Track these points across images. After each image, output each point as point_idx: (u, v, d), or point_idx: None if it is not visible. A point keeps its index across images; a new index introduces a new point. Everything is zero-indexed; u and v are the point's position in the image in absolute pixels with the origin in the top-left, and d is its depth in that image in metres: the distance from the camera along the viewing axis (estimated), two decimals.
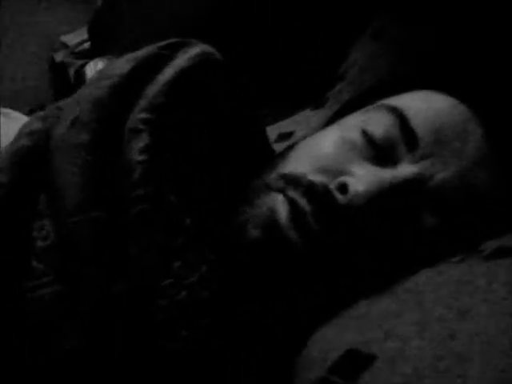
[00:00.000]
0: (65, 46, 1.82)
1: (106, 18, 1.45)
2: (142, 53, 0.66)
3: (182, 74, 0.64)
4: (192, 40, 0.68)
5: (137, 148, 0.59)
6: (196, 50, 0.66)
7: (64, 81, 1.74)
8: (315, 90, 1.03)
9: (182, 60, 0.65)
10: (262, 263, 0.59)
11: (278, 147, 0.84)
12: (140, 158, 0.58)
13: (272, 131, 0.95)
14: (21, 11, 1.90)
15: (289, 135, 0.96)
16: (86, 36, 1.76)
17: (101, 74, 0.65)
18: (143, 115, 0.60)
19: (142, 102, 0.61)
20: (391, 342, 0.49)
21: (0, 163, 0.60)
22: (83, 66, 1.66)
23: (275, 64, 1.12)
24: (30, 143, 0.61)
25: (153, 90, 0.62)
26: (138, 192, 0.57)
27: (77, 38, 1.80)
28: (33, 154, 0.61)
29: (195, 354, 0.54)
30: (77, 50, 1.76)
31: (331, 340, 0.53)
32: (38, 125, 0.63)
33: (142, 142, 0.59)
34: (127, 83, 0.62)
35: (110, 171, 0.58)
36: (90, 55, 1.65)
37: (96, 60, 1.52)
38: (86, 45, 1.73)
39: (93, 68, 1.50)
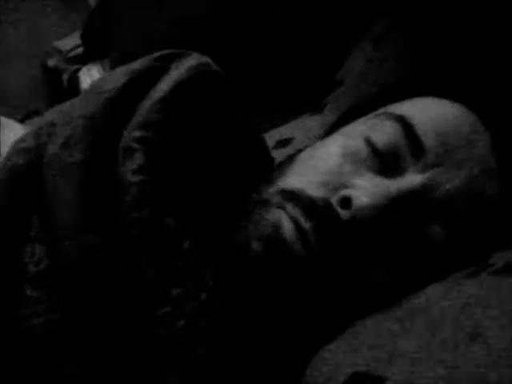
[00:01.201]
0: (58, 51, 1.80)
1: (100, 22, 1.43)
2: (136, 65, 0.63)
3: (178, 88, 0.61)
4: (187, 51, 0.65)
5: (131, 168, 0.56)
6: (191, 61, 0.64)
7: (57, 86, 1.73)
8: (313, 95, 1.01)
9: (177, 73, 0.62)
10: (266, 279, 0.56)
11: (277, 154, 0.82)
12: (134, 179, 0.55)
13: (270, 138, 0.93)
14: (17, 17, 1.88)
15: (287, 142, 0.94)
16: (79, 41, 1.74)
17: (94, 88, 0.62)
18: (137, 133, 0.58)
19: (136, 119, 0.59)
20: (400, 364, 0.47)
21: None
22: (77, 71, 1.64)
23: (273, 69, 1.10)
24: (22, 161, 0.58)
25: (147, 105, 0.59)
26: (133, 215, 0.54)
27: (70, 43, 1.79)
28: (25, 173, 0.58)
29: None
30: (70, 55, 1.74)
31: (337, 360, 0.51)
32: (30, 142, 0.60)
33: (136, 162, 0.56)
34: (121, 98, 0.60)
35: (104, 192, 0.55)
36: (83, 60, 1.63)
37: (89, 65, 1.50)
38: (80, 50, 1.71)
39: (86, 73, 1.48)
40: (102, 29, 1.41)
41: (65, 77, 1.69)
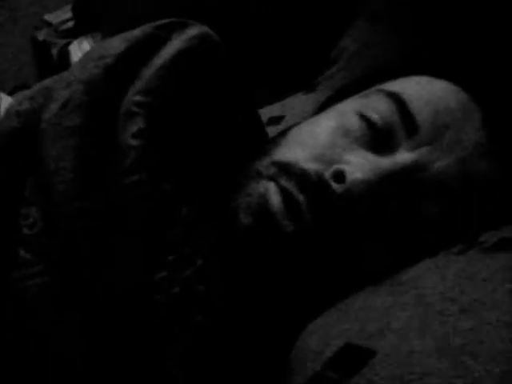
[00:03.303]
0: (48, 24, 1.78)
1: None
2: (137, 32, 0.63)
3: (179, 56, 0.61)
4: (189, 20, 0.65)
5: (131, 132, 0.56)
6: (194, 31, 0.63)
7: (47, 60, 1.71)
8: (306, 73, 1.01)
9: (179, 41, 0.62)
10: (255, 251, 0.57)
11: (269, 131, 0.82)
12: (134, 142, 0.55)
13: (262, 115, 0.93)
14: None
15: (279, 119, 0.94)
16: (69, 14, 1.72)
17: (93, 54, 0.61)
18: (138, 98, 0.58)
19: (138, 85, 0.59)
20: (391, 337, 0.48)
21: None
22: (67, 45, 1.63)
23: (266, 47, 1.09)
24: (17, 125, 0.58)
25: (149, 72, 0.59)
26: (131, 178, 0.54)
27: (60, 16, 1.77)
28: (21, 136, 0.58)
29: (190, 351, 0.52)
30: (60, 28, 1.73)
31: (329, 332, 0.51)
32: (25, 105, 0.60)
33: (136, 125, 0.56)
34: (122, 64, 0.60)
35: (102, 156, 0.55)
36: (73, 34, 1.62)
37: (80, 39, 1.49)
38: (70, 23, 1.70)
39: (77, 47, 1.47)
40: (93, 3, 1.40)
41: (54, 51, 1.68)
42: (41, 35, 1.76)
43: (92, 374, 0.51)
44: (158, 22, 0.65)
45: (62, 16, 1.77)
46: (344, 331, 0.51)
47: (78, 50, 1.46)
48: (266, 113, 0.97)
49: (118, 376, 0.52)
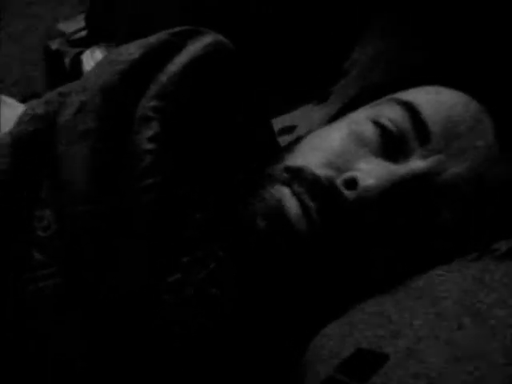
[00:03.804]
0: (61, 33, 1.79)
1: (104, 5, 1.42)
2: (152, 39, 0.63)
3: (195, 62, 0.62)
4: (204, 29, 0.66)
5: (146, 136, 0.56)
6: (208, 38, 0.64)
7: (59, 69, 1.72)
8: (318, 84, 1.02)
9: (194, 48, 0.63)
10: (270, 255, 0.57)
11: (281, 140, 0.83)
12: (149, 146, 0.56)
13: (274, 125, 0.94)
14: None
15: (291, 129, 0.95)
16: (82, 24, 1.73)
17: (109, 60, 0.62)
18: (154, 103, 0.58)
19: (153, 90, 0.59)
20: (403, 342, 0.48)
21: (1, 149, 0.58)
22: (79, 54, 1.64)
23: (279, 58, 1.10)
24: (31, 128, 0.59)
25: (164, 77, 0.60)
26: (146, 182, 0.55)
27: (73, 25, 1.78)
28: (35, 139, 0.59)
29: (199, 353, 0.53)
30: (73, 37, 1.74)
31: (341, 337, 0.52)
32: (40, 110, 0.61)
33: (151, 130, 0.57)
34: (138, 69, 0.60)
35: (116, 160, 0.56)
36: (86, 43, 1.63)
37: (93, 48, 1.50)
38: (83, 33, 1.71)
39: (90, 56, 1.48)
40: (107, 11, 1.41)
41: (67, 60, 1.69)
42: (54, 44, 1.77)
43: (92, 374, 0.52)
44: (173, 30, 0.65)
45: (75, 25, 1.78)
46: (356, 336, 0.51)
47: (91, 58, 1.47)
48: (278, 123, 0.97)
49: (117, 376, 0.52)
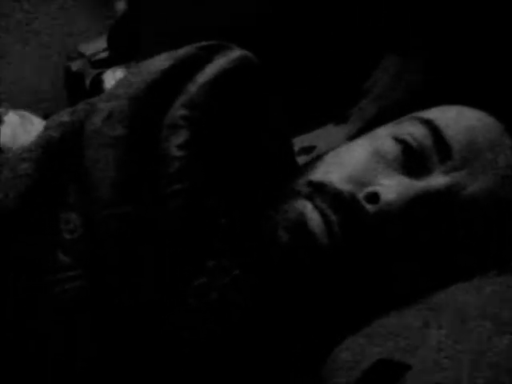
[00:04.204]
0: (82, 55, 1.82)
1: (127, 26, 1.44)
2: (181, 52, 0.65)
3: (223, 75, 0.63)
4: (230, 44, 0.67)
5: (175, 143, 0.57)
6: (235, 53, 0.65)
7: (79, 89, 1.75)
8: (338, 105, 1.02)
9: (222, 61, 0.64)
10: (293, 267, 0.58)
11: (300, 160, 0.84)
12: (178, 153, 0.57)
13: (294, 144, 0.95)
14: (40, 20, 1.91)
15: (310, 149, 0.96)
16: (103, 45, 1.76)
17: (138, 71, 0.64)
18: (183, 112, 0.59)
19: (182, 99, 0.60)
20: (425, 353, 0.48)
21: (27, 153, 0.59)
22: (99, 74, 1.66)
23: (298, 79, 1.11)
24: (58, 135, 0.60)
25: (193, 87, 0.61)
26: (175, 187, 0.56)
27: (94, 47, 1.81)
28: (61, 145, 0.60)
29: (220, 358, 0.53)
30: (94, 59, 1.76)
31: (363, 347, 0.52)
32: (66, 118, 0.62)
33: (180, 137, 0.58)
34: (167, 80, 0.62)
35: (143, 166, 0.57)
36: (107, 64, 1.65)
37: (114, 68, 1.52)
38: (103, 54, 1.74)
39: (111, 76, 1.50)
40: (129, 32, 1.43)
41: (87, 80, 1.72)
42: (74, 65, 1.80)
43: (105, 369, 0.52)
44: (201, 44, 0.67)
45: (96, 47, 1.81)
46: (378, 347, 0.51)
47: (112, 78, 1.49)
48: (297, 142, 0.98)
49: (135, 375, 0.53)
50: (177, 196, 0.56)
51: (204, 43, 0.66)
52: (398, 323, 0.53)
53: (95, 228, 0.55)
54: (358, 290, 0.58)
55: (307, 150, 0.96)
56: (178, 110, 0.60)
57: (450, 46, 0.87)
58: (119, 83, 0.65)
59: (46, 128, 0.62)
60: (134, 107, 0.59)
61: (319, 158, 0.68)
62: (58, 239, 0.55)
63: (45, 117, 1.51)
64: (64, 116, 0.63)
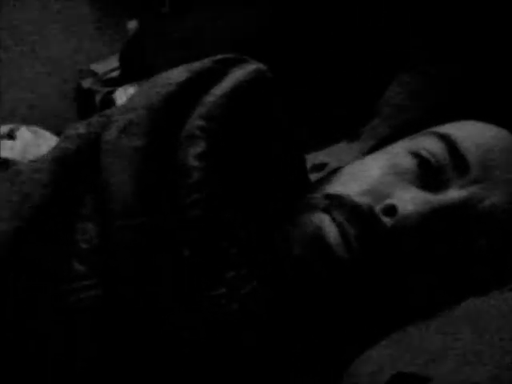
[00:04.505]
0: (93, 73, 1.84)
1: (139, 45, 1.46)
2: (197, 65, 0.65)
3: (239, 87, 0.63)
4: (246, 57, 0.68)
5: (193, 154, 0.58)
6: (251, 66, 0.66)
7: (89, 107, 1.76)
8: (349, 123, 1.03)
9: (239, 74, 0.64)
10: (310, 280, 0.58)
11: (312, 178, 0.84)
12: (196, 163, 0.57)
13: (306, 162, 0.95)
14: (52, 36, 1.92)
15: (322, 166, 0.96)
16: (114, 65, 1.78)
17: (154, 83, 0.64)
18: (200, 123, 0.60)
19: (199, 111, 0.61)
20: (446, 366, 0.48)
21: (42, 164, 0.59)
22: (110, 92, 1.67)
23: (310, 97, 1.12)
24: (74, 146, 0.60)
25: (210, 99, 0.62)
26: (193, 197, 0.56)
27: (105, 66, 1.83)
28: (77, 156, 0.60)
29: (243, 368, 0.53)
30: (105, 77, 1.78)
31: (381, 361, 0.52)
32: (82, 130, 0.62)
33: (198, 148, 0.58)
34: (184, 91, 0.62)
35: (160, 176, 0.57)
36: (118, 83, 1.66)
37: (126, 86, 1.53)
38: (115, 73, 1.75)
39: (123, 93, 1.51)
40: (141, 51, 1.44)
41: (98, 98, 1.73)
42: (85, 83, 1.82)
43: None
44: (216, 57, 0.67)
45: (107, 66, 1.82)
46: (398, 359, 0.51)
47: (124, 95, 1.50)
48: (309, 159, 0.98)
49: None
50: (196, 206, 0.56)
51: (220, 56, 0.67)
52: (418, 335, 0.53)
53: (111, 238, 0.55)
54: (375, 303, 0.58)
55: (319, 167, 0.97)
56: (195, 121, 0.60)
57: (466, 64, 0.87)
58: (135, 95, 0.65)
59: (62, 140, 0.62)
60: (151, 118, 0.59)
61: (335, 172, 0.69)
62: (74, 249, 0.55)
63: (57, 133, 1.52)
64: (80, 128, 0.63)
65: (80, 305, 0.53)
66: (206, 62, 0.66)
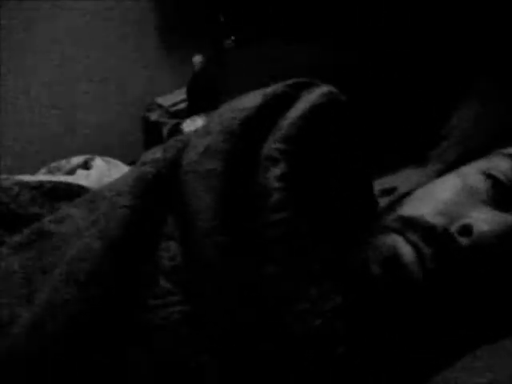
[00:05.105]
0: (160, 106, 1.89)
1: (206, 77, 1.50)
2: (270, 89, 0.67)
3: (314, 109, 0.65)
4: (317, 81, 0.70)
5: (274, 175, 0.60)
6: (323, 89, 0.68)
7: (157, 139, 1.80)
8: (417, 149, 1.04)
9: (312, 97, 0.66)
10: (386, 300, 0.58)
11: (381, 202, 0.84)
12: (277, 184, 0.59)
13: (375, 186, 0.96)
14: (119, 68, 1.99)
15: (392, 191, 0.96)
16: (180, 97, 1.82)
17: (230, 108, 0.66)
18: (278, 145, 0.62)
19: (277, 134, 0.63)
20: None
21: (122, 187, 0.62)
22: (177, 124, 1.71)
23: (378, 121, 1.13)
24: (153, 170, 0.63)
25: (287, 122, 0.63)
26: (276, 216, 0.58)
27: (172, 99, 1.88)
28: (156, 179, 0.62)
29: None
30: (172, 110, 1.82)
31: (459, 381, 0.52)
32: (159, 154, 0.65)
33: (279, 169, 0.60)
34: (259, 115, 0.64)
35: (240, 197, 0.59)
36: (185, 115, 1.70)
37: (194, 117, 1.57)
38: (182, 105, 1.79)
39: (190, 124, 1.55)
40: (208, 83, 1.48)
41: (165, 130, 1.77)
42: (153, 115, 1.86)
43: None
44: (290, 81, 0.69)
45: (173, 99, 1.87)
46: (475, 379, 0.51)
47: (192, 125, 1.53)
48: (377, 185, 0.99)
49: None
50: (277, 225, 0.57)
51: (292, 81, 0.69)
52: (493, 355, 0.53)
53: (194, 256, 0.57)
54: (450, 323, 0.58)
55: (388, 191, 0.97)
56: (273, 144, 0.62)
57: None
58: (211, 121, 0.67)
59: (141, 163, 0.65)
60: (228, 142, 0.61)
61: (406, 195, 0.69)
62: (158, 266, 0.57)
63: (130, 163, 1.56)
64: (157, 153, 0.66)
65: (169, 319, 0.55)
66: (279, 87, 0.68)
